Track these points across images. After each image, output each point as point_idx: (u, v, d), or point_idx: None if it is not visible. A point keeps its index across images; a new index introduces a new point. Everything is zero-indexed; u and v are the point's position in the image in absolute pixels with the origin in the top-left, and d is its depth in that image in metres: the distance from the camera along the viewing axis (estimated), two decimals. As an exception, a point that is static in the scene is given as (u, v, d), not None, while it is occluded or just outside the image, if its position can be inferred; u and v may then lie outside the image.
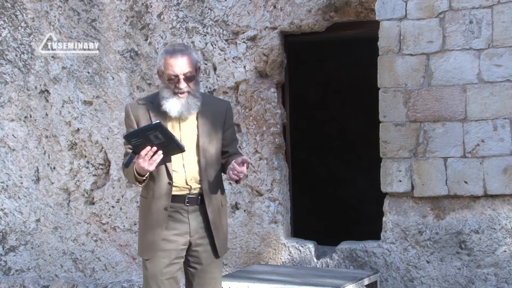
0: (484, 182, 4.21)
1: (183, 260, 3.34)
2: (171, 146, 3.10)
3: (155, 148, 3.08)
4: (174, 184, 3.26)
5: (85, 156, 5.34)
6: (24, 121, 5.47)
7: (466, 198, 4.28)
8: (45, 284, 5.36)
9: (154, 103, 3.32)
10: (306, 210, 7.08)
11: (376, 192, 4.67)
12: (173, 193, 3.27)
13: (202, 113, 3.32)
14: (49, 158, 5.42)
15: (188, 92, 3.23)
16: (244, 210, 4.90)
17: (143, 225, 3.35)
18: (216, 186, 3.35)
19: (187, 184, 3.28)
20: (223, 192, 3.42)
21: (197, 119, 3.32)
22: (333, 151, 8.17)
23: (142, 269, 3.42)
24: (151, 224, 3.28)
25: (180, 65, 3.21)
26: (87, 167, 5.35)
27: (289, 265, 4.72)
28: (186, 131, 3.31)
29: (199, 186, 3.29)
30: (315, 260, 4.69)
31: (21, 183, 5.50)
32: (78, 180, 5.36)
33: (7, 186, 5.53)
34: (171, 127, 3.26)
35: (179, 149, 3.13)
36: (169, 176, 3.25)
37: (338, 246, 4.66)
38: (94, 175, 5.33)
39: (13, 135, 5.50)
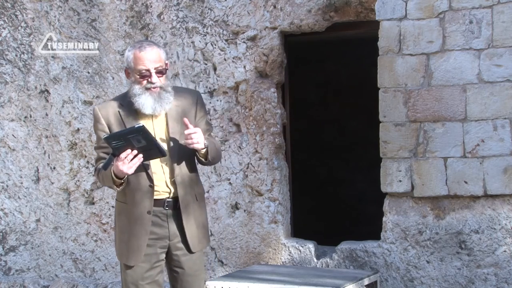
0: (484, 182, 4.21)
1: (163, 262, 3.30)
2: (152, 151, 3.04)
3: (135, 152, 3.00)
4: (155, 186, 3.20)
5: (85, 156, 5.34)
6: (24, 121, 5.47)
7: (466, 198, 4.28)
8: (45, 284, 5.36)
9: (124, 104, 3.24)
10: (306, 210, 7.08)
11: (376, 192, 4.67)
12: (154, 197, 3.21)
13: (171, 109, 3.24)
14: (49, 158, 5.43)
15: (160, 87, 3.16)
16: (244, 210, 4.90)
17: (125, 231, 3.25)
18: (190, 181, 3.28)
19: (167, 186, 3.23)
20: (198, 185, 3.35)
21: (166, 116, 3.24)
22: (333, 151, 8.17)
23: (120, 273, 3.37)
24: (134, 229, 3.21)
25: (151, 59, 3.13)
26: (87, 167, 5.35)
27: (289, 265, 4.71)
28: (160, 130, 3.24)
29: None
30: (315, 260, 4.69)
31: (21, 183, 5.50)
32: (78, 180, 5.36)
33: (7, 186, 5.53)
34: None
35: (160, 153, 3.07)
36: (150, 179, 3.19)
37: (338, 246, 4.66)
38: (94, 175, 5.33)
39: (13, 135, 5.50)
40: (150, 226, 3.21)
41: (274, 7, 4.77)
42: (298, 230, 5.22)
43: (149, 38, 5.09)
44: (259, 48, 4.82)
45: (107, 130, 3.21)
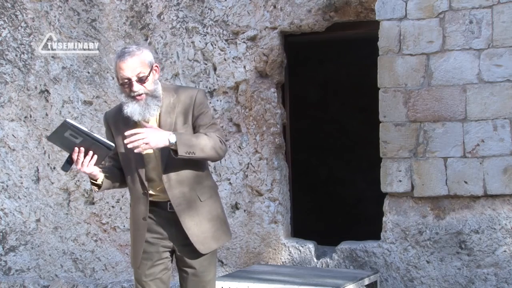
0: (484, 182, 4.21)
1: (166, 260, 3.30)
2: (95, 145, 2.95)
3: (82, 149, 2.98)
4: (153, 193, 3.20)
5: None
6: (24, 121, 5.47)
7: (466, 198, 4.28)
8: (45, 284, 5.36)
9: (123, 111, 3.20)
10: (306, 210, 7.08)
11: (376, 192, 4.67)
12: (155, 199, 3.22)
13: (164, 111, 3.18)
14: (49, 158, 5.43)
15: (146, 94, 3.10)
16: (244, 210, 4.90)
17: (131, 234, 3.36)
18: (189, 180, 3.21)
19: (164, 193, 3.19)
20: (202, 183, 3.26)
21: (159, 120, 3.18)
22: (333, 151, 8.17)
23: None
24: (134, 234, 3.30)
25: (130, 67, 3.06)
26: (87, 167, 5.34)
27: (289, 265, 4.72)
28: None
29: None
30: (315, 260, 4.69)
31: (21, 183, 5.50)
32: (78, 180, 5.36)
33: (7, 186, 5.53)
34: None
35: (103, 146, 2.97)
36: (143, 186, 3.18)
37: (338, 246, 4.66)
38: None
39: (13, 135, 5.50)
40: (145, 232, 3.24)
41: (274, 7, 4.77)
42: (298, 230, 5.22)
43: (149, 38, 5.09)
44: (259, 48, 4.82)
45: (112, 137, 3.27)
